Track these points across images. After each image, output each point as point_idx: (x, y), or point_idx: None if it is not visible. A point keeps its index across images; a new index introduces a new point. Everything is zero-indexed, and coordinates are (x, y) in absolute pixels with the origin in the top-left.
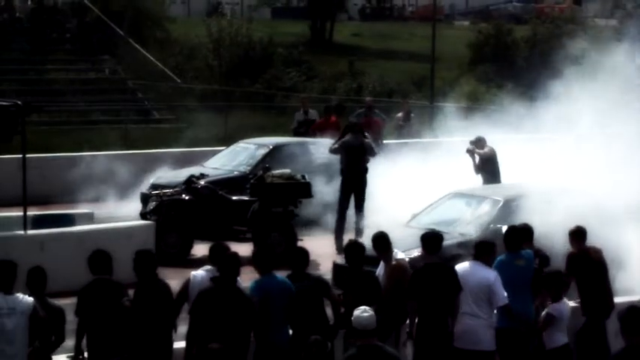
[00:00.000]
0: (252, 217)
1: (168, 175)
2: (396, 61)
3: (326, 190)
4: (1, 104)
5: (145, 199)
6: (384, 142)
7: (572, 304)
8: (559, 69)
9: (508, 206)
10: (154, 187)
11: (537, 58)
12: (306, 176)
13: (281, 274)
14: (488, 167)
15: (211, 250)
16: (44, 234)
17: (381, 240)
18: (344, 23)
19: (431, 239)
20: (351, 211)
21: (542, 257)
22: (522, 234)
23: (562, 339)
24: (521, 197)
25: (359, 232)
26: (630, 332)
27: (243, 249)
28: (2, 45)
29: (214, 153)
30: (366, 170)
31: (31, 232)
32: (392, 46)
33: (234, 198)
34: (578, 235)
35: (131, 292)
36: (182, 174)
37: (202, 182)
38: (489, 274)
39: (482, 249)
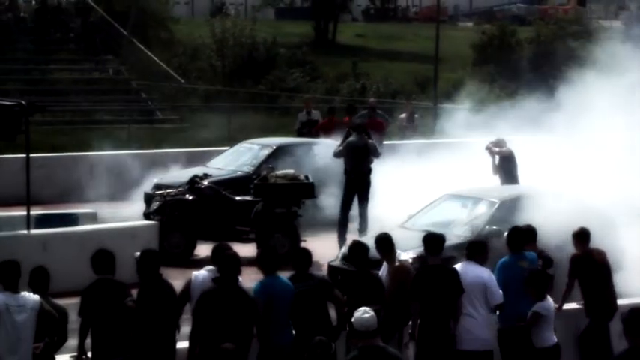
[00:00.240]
0: (256, 217)
1: (172, 175)
2: (399, 62)
3: (329, 191)
4: (5, 104)
5: (148, 199)
6: (385, 142)
7: (575, 305)
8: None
9: (504, 208)
10: (158, 187)
11: (541, 59)
12: (310, 177)
13: (284, 275)
14: (506, 168)
15: (214, 250)
16: (47, 234)
17: (385, 241)
18: (347, 24)
19: (433, 241)
20: (354, 212)
21: (546, 258)
22: (525, 235)
23: (552, 338)
24: (517, 199)
25: (362, 232)
26: (633, 334)
27: (247, 249)
28: (6, 45)
29: (218, 153)
30: (370, 171)
31: (34, 231)
32: (396, 47)
33: (237, 198)
34: (581, 236)
35: (134, 291)
36: (185, 174)
37: (206, 182)
38: (483, 273)
39: (474, 249)
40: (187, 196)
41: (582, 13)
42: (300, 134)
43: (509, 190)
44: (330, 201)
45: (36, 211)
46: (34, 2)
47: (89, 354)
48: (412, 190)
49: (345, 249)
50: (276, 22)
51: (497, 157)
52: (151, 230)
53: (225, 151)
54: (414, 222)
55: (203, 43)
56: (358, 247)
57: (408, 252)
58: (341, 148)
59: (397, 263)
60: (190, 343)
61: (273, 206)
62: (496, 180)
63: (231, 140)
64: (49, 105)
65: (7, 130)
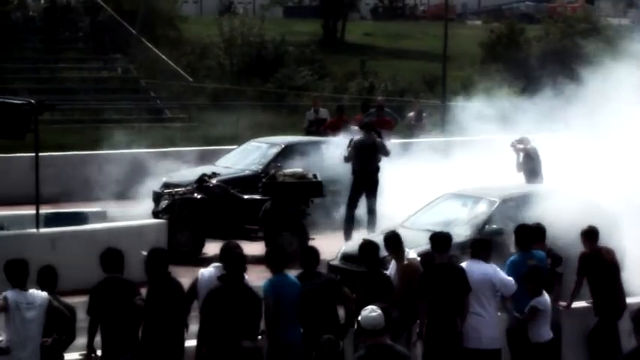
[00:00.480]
0: (264, 216)
1: (181, 173)
2: (407, 61)
3: (338, 189)
4: (15, 103)
5: (157, 197)
6: (403, 141)
7: (584, 304)
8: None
9: (504, 207)
10: (166, 185)
11: (549, 57)
12: (318, 175)
13: (292, 274)
14: (530, 165)
15: (222, 248)
16: (56, 232)
17: (393, 239)
18: (356, 22)
19: (440, 239)
20: (361, 210)
21: (555, 257)
22: (533, 232)
23: (548, 333)
24: (517, 198)
25: (371, 230)
26: None
27: (255, 248)
28: (15, 44)
29: (226, 152)
30: (377, 169)
31: (43, 230)
32: (404, 45)
33: (245, 197)
34: (590, 235)
35: (143, 290)
36: (194, 173)
37: (214, 181)
38: (488, 269)
39: (479, 247)
40: (196, 194)
41: (591, 11)
42: (308, 133)
43: (510, 189)
44: (338, 199)
45: (45, 210)
46: (42, 1)
47: (98, 352)
48: (428, 188)
49: (344, 248)
50: (284, 21)
51: (521, 155)
52: (160, 229)
53: (233, 149)
54: (413, 221)
55: (211, 41)
56: (369, 247)
57: (408, 251)
58: (349, 149)
59: (406, 262)
60: (198, 342)
61: (282, 205)
62: (520, 177)
63: (240, 139)
64: (57, 104)
65: (16, 129)
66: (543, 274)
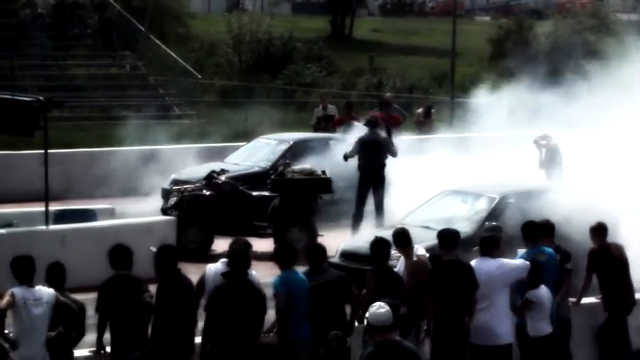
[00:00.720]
0: (273, 212)
1: (189, 170)
2: (416, 57)
3: (346, 186)
4: (23, 100)
5: (166, 194)
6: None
7: (593, 300)
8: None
9: (503, 203)
10: (175, 182)
11: (558, 53)
12: (327, 172)
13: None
14: (552, 162)
15: (231, 245)
16: (65, 229)
17: (402, 236)
18: (364, 19)
19: (448, 236)
20: (370, 207)
21: (564, 253)
22: (541, 229)
23: (546, 328)
24: (516, 194)
25: (379, 226)
26: None
27: (264, 244)
28: (24, 41)
29: (235, 149)
30: (383, 166)
31: (52, 227)
32: (412, 41)
33: (254, 193)
34: (599, 231)
35: (152, 287)
36: (203, 169)
37: (223, 178)
38: (497, 265)
39: (488, 244)
40: (205, 191)
41: (600, 7)
42: (316, 129)
43: (510, 186)
44: (346, 196)
45: (54, 207)
46: None
47: (107, 349)
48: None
49: (343, 245)
50: (292, 17)
51: (543, 151)
52: (169, 226)
53: (242, 146)
54: (413, 218)
55: (220, 38)
56: (380, 244)
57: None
58: (353, 145)
59: (415, 258)
60: (203, 338)
61: (291, 201)
62: (542, 174)
63: (248, 135)
64: (66, 101)
65: (25, 126)
66: (540, 268)
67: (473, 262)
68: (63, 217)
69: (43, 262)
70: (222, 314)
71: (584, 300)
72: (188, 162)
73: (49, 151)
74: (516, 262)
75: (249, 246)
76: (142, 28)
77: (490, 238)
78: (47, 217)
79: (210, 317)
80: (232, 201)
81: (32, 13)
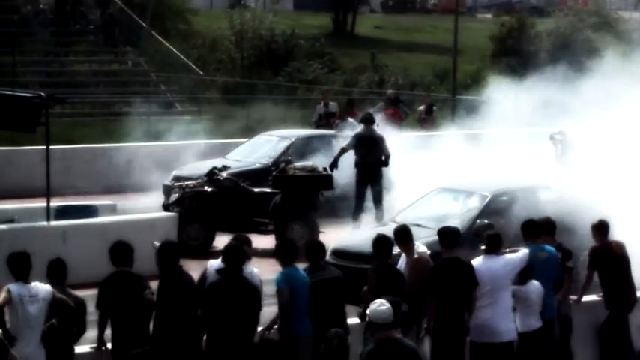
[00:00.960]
0: (274, 209)
1: (191, 167)
2: (418, 54)
3: (347, 183)
4: (25, 96)
5: (167, 190)
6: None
7: (594, 297)
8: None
9: (495, 201)
10: (177, 179)
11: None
12: (328, 169)
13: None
14: (567, 158)
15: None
16: (67, 225)
17: (403, 233)
18: (366, 16)
19: (448, 234)
20: (370, 204)
21: (565, 251)
22: (541, 227)
23: (534, 323)
24: (508, 192)
25: (379, 222)
26: None
27: (265, 241)
28: (26, 37)
29: (236, 145)
30: (380, 162)
31: (53, 223)
32: (414, 38)
33: (256, 190)
34: (600, 228)
35: (153, 283)
36: (204, 166)
37: (224, 174)
38: (502, 262)
39: (493, 242)
40: (206, 187)
41: (602, 5)
42: (318, 126)
43: (502, 184)
44: (347, 192)
45: (55, 203)
46: None
47: (109, 345)
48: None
49: (334, 243)
50: (294, 14)
51: (560, 147)
52: (170, 222)
53: (243, 143)
54: (405, 215)
55: (222, 35)
56: (383, 241)
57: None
58: (347, 141)
59: (416, 255)
60: (198, 334)
61: (292, 198)
62: (559, 170)
63: (250, 132)
64: (68, 97)
65: (27, 122)
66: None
67: (479, 260)
68: (64, 213)
69: (45, 258)
70: (217, 311)
71: (585, 298)
72: (190, 158)
73: (51, 147)
74: (518, 254)
75: (249, 242)
76: (144, 25)
77: (497, 235)
78: (49, 213)
79: (205, 313)
80: (234, 197)
81: (34, 9)
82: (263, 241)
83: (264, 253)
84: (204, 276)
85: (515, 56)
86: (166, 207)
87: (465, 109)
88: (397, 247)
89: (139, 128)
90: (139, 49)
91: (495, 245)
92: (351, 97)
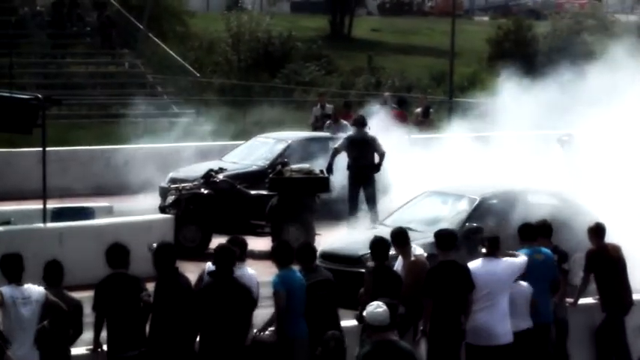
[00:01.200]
0: (271, 211)
1: (187, 169)
2: (415, 56)
3: (343, 185)
4: (22, 97)
5: (163, 192)
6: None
7: (591, 300)
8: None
9: (484, 204)
10: (173, 180)
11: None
12: (324, 171)
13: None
14: (574, 161)
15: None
16: (63, 227)
17: (400, 235)
18: (363, 18)
19: (444, 237)
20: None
21: (561, 254)
22: (537, 228)
23: (521, 324)
24: (497, 196)
25: (373, 223)
26: None
27: (261, 243)
28: (23, 38)
29: (233, 147)
30: (372, 165)
31: (50, 225)
32: (411, 41)
33: (252, 192)
34: (597, 231)
35: (149, 285)
36: (201, 168)
37: (221, 176)
38: (500, 265)
39: (494, 244)
40: (203, 189)
41: (598, 7)
42: (314, 128)
43: (491, 187)
44: (343, 195)
45: (52, 205)
46: None
47: (104, 347)
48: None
49: (322, 246)
50: (291, 16)
51: (567, 150)
52: (167, 224)
53: (240, 145)
54: (394, 219)
55: (219, 37)
56: (380, 243)
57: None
58: (340, 143)
59: (413, 258)
60: (191, 336)
61: (288, 200)
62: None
63: (247, 134)
64: (65, 99)
65: (23, 124)
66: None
67: (478, 262)
68: (61, 214)
69: (41, 260)
70: (208, 313)
71: (582, 300)
72: (186, 160)
73: (48, 148)
74: (518, 260)
75: (245, 244)
76: (141, 27)
77: (496, 238)
78: (45, 215)
79: (198, 316)
80: (230, 199)
81: (31, 11)
82: (259, 243)
83: (260, 255)
84: (201, 279)
85: (512, 59)
86: (163, 209)
87: (462, 112)
88: (393, 250)
89: (136, 130)
90: (136, 51)
91: (495, 248)
92: (348, 99)
